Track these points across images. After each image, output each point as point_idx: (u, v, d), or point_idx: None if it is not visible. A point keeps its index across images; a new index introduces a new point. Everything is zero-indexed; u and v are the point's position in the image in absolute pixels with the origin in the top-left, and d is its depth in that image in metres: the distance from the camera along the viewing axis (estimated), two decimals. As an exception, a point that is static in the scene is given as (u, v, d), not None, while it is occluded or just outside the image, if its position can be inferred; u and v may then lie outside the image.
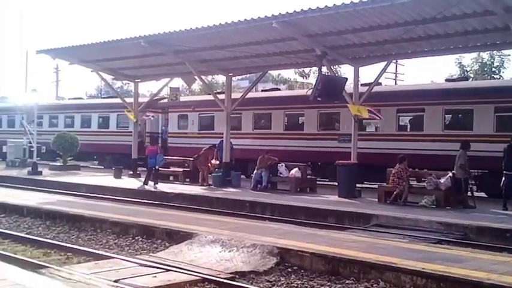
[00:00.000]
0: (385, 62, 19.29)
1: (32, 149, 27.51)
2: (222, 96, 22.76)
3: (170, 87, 25.02)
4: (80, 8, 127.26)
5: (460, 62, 39.82)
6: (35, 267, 8.23)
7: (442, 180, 15.66)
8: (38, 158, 27.15)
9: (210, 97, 23.65)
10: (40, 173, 24.87)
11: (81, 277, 7.62)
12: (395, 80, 51.43)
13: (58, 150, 28.55)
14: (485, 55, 38.66)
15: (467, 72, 39.50)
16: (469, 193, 15.81)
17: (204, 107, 26.38)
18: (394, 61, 41.43)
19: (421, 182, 17.97)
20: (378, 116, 19.25)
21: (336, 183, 18.31)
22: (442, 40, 16.39)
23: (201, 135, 26.10)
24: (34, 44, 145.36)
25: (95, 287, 7.20)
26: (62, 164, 28.44)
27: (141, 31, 68.52)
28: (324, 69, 18.91)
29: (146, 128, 29.48)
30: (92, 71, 25.13)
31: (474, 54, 38.02)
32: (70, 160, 29.07)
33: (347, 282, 8.06)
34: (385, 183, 16.74)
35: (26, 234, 11.94)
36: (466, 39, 16.41)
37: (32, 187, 20.85)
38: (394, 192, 16.04)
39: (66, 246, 10.47)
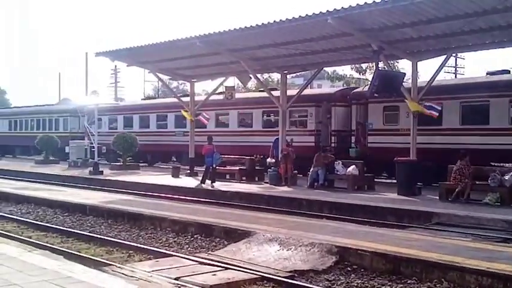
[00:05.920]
0: (445, 56, 18.78)
1: (93, 150, 28.31)
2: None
3: (225, 86, 25.14)
4: (133, 11, 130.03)
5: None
6: (98, 265, 8.45)
7: (506, 177, 15.11)
8: (99, 158, 27.94)
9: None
10: (101, 173, 25.55)
11: (142, 275, 7.77)
12: (455, 74, 50.13)
13: (118, 150, 29.26)
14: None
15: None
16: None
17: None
18: (454, 54, 40.33)
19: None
20: (435, 111, 18.67)
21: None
22: (505, 32, 15.83)
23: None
24: (93, 47, 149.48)
25: (157, 285, 7.33)
26: (121, 163, 29.16)
27: (196, 31, 69.30)
28: (381, 64, 18.58)
29: None
30: (149, 72, 25.59)
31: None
32: (129, 160, 29.72)
33: (409, 282, 7.88)
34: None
35: (89, 232, 12.28)
36: (530, 30, 15.79)
37: (94, 186, 21.45)
38: (456, 190, 15.60)
39: (127, 244, 10.70)
